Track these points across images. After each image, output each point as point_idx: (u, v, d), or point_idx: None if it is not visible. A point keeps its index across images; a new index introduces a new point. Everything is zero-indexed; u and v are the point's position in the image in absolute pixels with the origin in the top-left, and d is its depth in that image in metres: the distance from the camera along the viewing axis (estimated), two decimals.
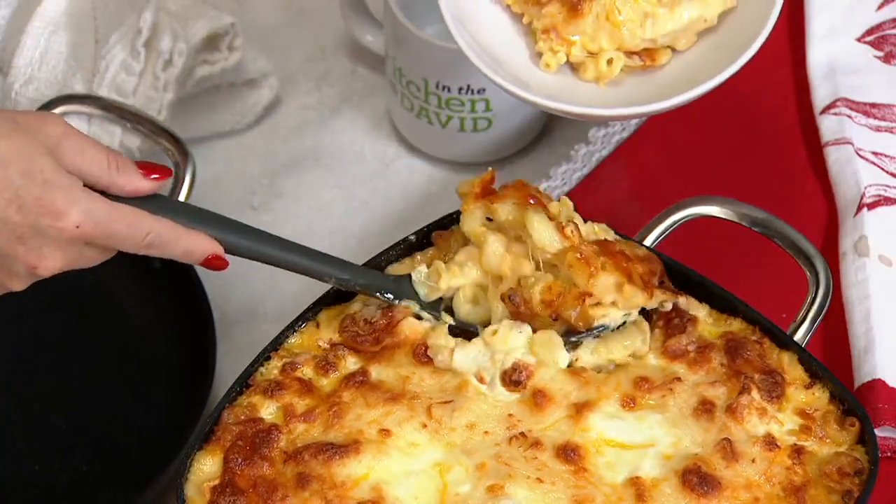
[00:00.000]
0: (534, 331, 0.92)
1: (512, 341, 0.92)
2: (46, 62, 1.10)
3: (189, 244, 0.87)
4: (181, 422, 0.98)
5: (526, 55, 0.98)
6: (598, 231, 0.94)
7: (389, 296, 0.93)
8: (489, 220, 0.95)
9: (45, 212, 0.81)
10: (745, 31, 0.93)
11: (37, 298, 1.08)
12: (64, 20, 1.10)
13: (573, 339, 0.92)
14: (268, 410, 0.90)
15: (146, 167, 0.87)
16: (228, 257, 0.90)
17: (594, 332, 0.92)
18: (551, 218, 0.92)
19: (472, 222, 0.94)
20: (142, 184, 0.86)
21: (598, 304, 0.91)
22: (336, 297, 0.95)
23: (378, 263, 0.97)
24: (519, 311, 0.92)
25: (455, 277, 0.93)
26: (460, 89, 1.12)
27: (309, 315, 0.94)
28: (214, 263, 0.89)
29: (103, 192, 0.85)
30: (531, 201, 0.93)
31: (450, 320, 0.93)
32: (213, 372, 1.01)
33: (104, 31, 1.10)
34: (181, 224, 0.87)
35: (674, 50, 0.97)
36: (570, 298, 0.90)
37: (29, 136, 0.81)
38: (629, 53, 0.96)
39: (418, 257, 0.97)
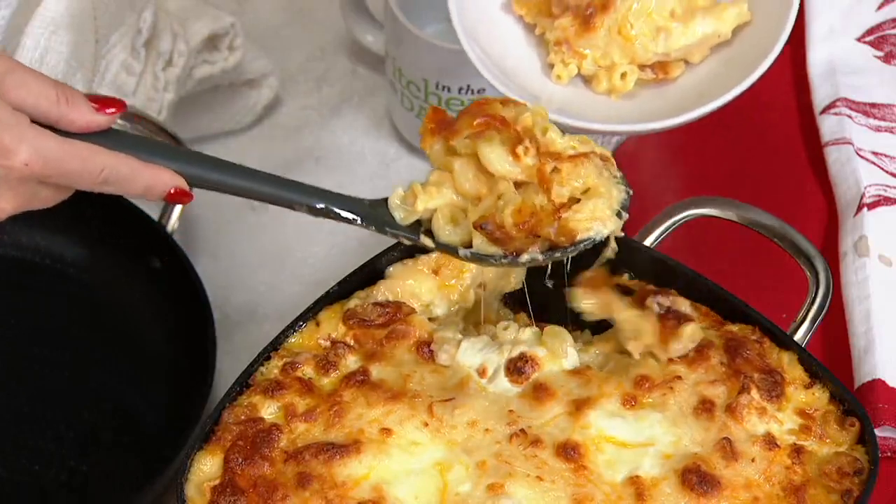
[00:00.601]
0: (515, 254, 0.89)
1: (522, 335, 0.92)
2: (47, 62, 1.10)
3: (149, 179, 0.82)
4: (181, 422, 0.98)
5: (538, 67, 0.97)
6: (576, 145, 0.90)
7: (362, 221, 0.89)
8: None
9: None
10: (759, 45, 0.93)
11: (36, 298, 1.09)
12: (64, 20, 1.10)
13: (558, 254, 0.89)
14: (268, 410, 0.90)
15: (99, 101, 0.82)
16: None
17: (581, 245, 0.89)
18: (518, 134, 0.89)
19: (436, 156, 0.92)
20: (94, 118, 0.81)
21: (577, 215, 0.88)
22: (336, 297, 0.95)
23: (379, 264, 0.97)
24: (495, 237, 0.89)
25: (432, 199, 0.89)
26: (460, 89, 1.12)
27: (309, 315, 0.94)
28: (178, 198, 0.84)
29: (54, 130, 0.81)
30: (487, 124, 0.88)
31: (430, 243, 0.90)
32: (213, 372, 1.01)
33: (104, 32, 1.10)
34: (140, 159, 0.82)
35: (687, 62, 0.97)
36: (545, 216, 0.88)
37: None
38: (642, 66, 0.96)
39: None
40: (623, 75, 0.95)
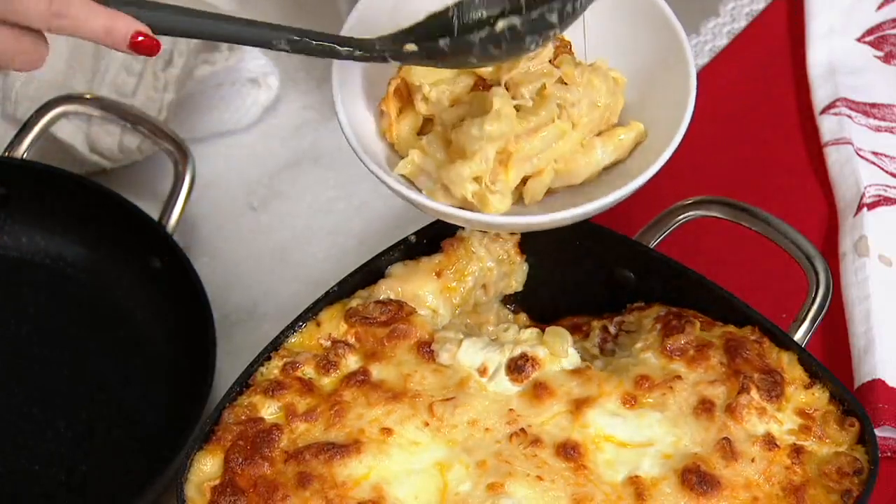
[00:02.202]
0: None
1: (522, 335, 0.92)
2: (47, 62, 1.10)
3: (107, 19, 0.78)
4: (181, 421, 0.98)
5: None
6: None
7: (339, 47, 0.84)
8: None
9: None
10: (652, 148, 0.92)
11: (37, 299, 1.09)
12: None
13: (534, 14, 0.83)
14: (268, 410, 0.90)
15: None
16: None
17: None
18: None
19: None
20: None
21: None
22: (336, 297, 0.95)
23: (379, 264, 0.97)
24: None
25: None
26: None
27: (309, 315, 0.94)
28: (143, 45, 0.79)
29: None
30: None
31: (413, 48, 0.85)
32: (213, 372, 1.00)
33: None
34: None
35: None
36: None
37: None
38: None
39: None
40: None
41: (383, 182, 0.90)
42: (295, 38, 0.83)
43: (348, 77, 0.93)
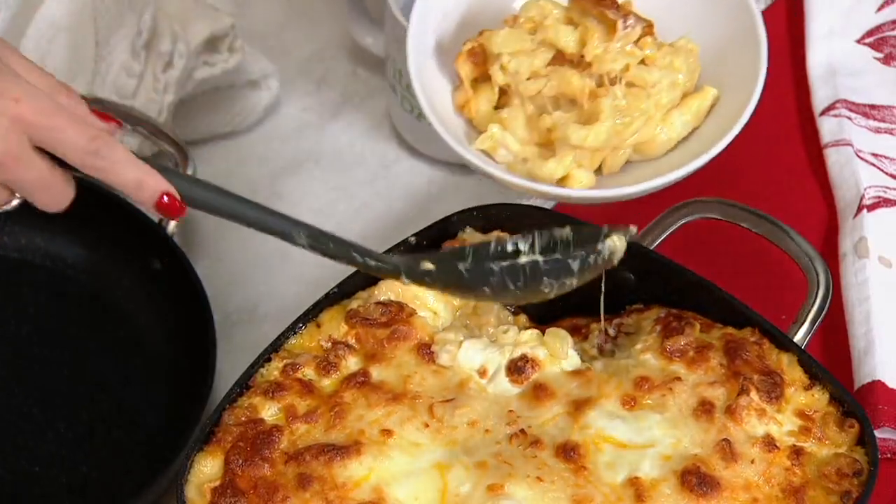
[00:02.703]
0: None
1: (522, 336, 0.93)
2: (47, 65, 1.11)
3: (141, 174, 0.79)
4: (182, 423, 0.98)
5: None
6: None
7: (357, 256, 0.86)
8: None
9: None
10: (729, 112, 0.96)
11: (37, 300, 1.10)
12: (64, 22, 1.11)
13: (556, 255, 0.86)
14: (269, 411, 0.90)
15: (99, 114, 0.81)
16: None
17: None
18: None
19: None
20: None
21: None
22: (336, 298, 0.96)
23: None
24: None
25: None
26: None
27: (309, 316, 0.95)
28: (169, 206, 0.80)
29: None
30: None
31: (430, 266, 0.86)
32: (213, 373, 1.01)
33: (104, 34, 1.10)
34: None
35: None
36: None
37: None
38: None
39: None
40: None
41: (463, 157, 0.91)
42: (314, 237, 0.85)
43: (423, 55, 0.95)
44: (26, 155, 0.78)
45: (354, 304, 0.95)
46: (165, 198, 0.81)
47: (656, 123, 0.95)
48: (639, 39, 0.95)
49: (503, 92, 0.95)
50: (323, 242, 0.85)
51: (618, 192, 0.94)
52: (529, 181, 0.93)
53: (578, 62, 0.94)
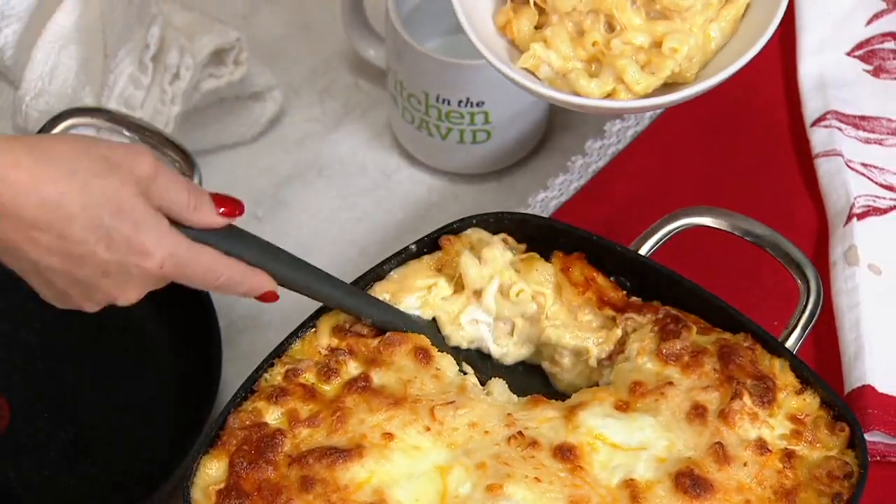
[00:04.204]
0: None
1: (500, 257, 0.95)
2: (56, 76, 1.11)
3: (253, 284, 0.89)
4: (187, 427, 0.99)
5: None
6: None
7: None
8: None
9: (132, 252, 0.83)
10: (759, 19, 0.94)
11: (43, 308, 1.10)
12: (74, 35, 1.11)
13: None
14: (272, 416, 0.91)
15: (222, 203, 0.88)
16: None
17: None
18: None
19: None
20: (214, 220, 0.87)
21: None
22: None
23: (380, 273, 0.98)
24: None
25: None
26: (460, 102, 1.13)
27: (311, 323, 0.95)
28: (267, 298, 0.91)
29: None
30: None
31: (470, 373, 0.95)
32: (218, 378, 1.01)
33: (113, 46, 1.11)
34: (247, 260, 0.89)
35: None
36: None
37: (120, 175, 0.82)
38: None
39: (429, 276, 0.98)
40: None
41: (505, 75, 0.92)
42: (385, 318, 0.96)
43: None
44: (153, 287, 0.87)
45: (342, 317, 0.96)
46: (266, 292, 0.91)
47: (698, 40, 0.94)
48: None
49: (541, 11, 0.96)
50: (392, 326, 0.96)
51: (664, 100, 0.92)
52: (574, 96, 0.92)
53: None
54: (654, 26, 0.93)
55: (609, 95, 0.93)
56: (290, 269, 0.91)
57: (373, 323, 0.94)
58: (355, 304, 0.94)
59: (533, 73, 0.95)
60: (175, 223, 0.85)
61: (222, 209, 0.88)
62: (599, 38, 0.93)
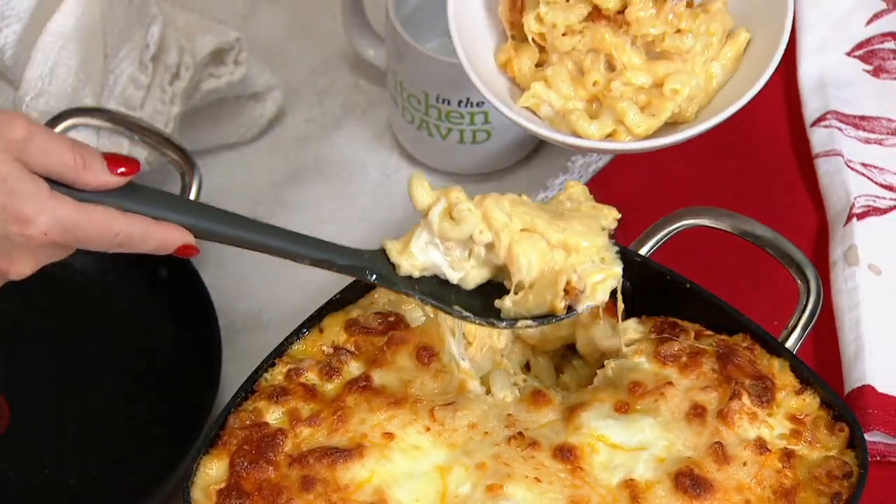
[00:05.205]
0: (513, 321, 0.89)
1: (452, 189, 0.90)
2: (56, 76, 1.11)
3: (160, 238, 0.84)
4: (188, 426, 0.99)
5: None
6: None
7: (371, 276, 0.89)
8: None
9: (11, 220, 0.79)
10: (761, 55, 0.94)
11: (45, 308, 1.10)
12: (74, 35, 1.11)
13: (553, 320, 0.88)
14: (273, 415, 0.91)
15: (113, 160, 0.83)
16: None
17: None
18: None
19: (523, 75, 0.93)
20: (108, 179, 0.82)
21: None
22: (338, 305, 0.97)
23: None
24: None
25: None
26: (460, 102, 1.13)
27: (312, 322, 0.95)
28: (185, 252, 0.86)
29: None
30: None
31: (429, 277, 0.89)
32: (218, 378, 1.01)
33: (113, 46, 1.11)
34: (151, 215, 0.84)
35: None
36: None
37: None
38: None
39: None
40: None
41: (506, 116, 0.92)
42: (320, 257, 0.89)
43: (463, 16, 0.95)
44: (51, 257, 0.83)
45: (355, 312, 0.96)
46: (182, 245, 0.86)
47: (699, 81, 0.94)
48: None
49: (542, 49, 0.96)
50: (327, 264, 0.89)
51: (665, 141, 0.92)
52: (575, 137, 0.92)
53: (613, 20, 0.94)
54: (655, 67, 0.93)
55: (610, 135, 0.94)
56: (205, 219, 0.85)
57: (311, 264, 0.88)
58: (285, 246, 0.87)
59: (534, 112, 0.95)
60: (66, 187, 0.81)
61: (121, 169, 0.83)
62: (600, 77, 0.93)
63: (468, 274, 0.91)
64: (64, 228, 0.81)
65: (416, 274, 0.90)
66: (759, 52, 0.95)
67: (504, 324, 0.89)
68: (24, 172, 0.80)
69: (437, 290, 0.90)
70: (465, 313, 0.89)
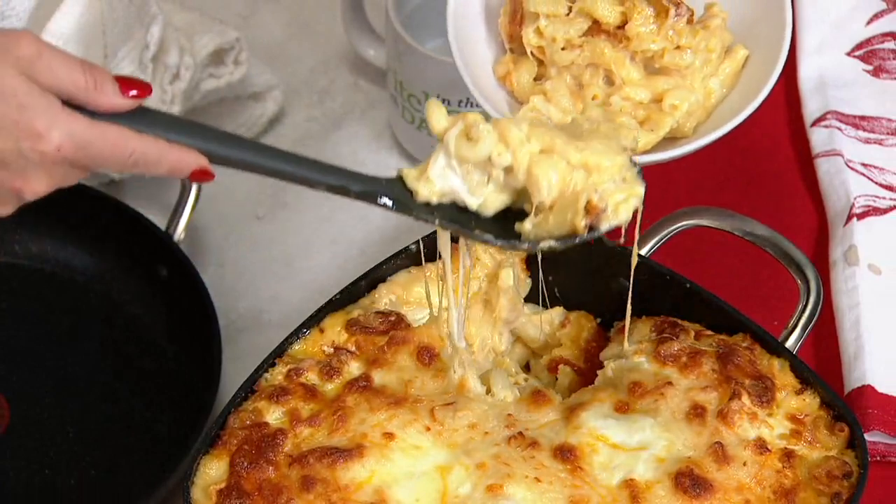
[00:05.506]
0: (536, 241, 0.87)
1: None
2: None
3: (174, 161, 0.82)
4: (188, 426, 0.99)
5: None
6: None
7: (388, 202, 0.86)
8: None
9: (24, 135, 0.78)
10: (760, 70, 0.95)
11: (45, 307, 1.11)
12: (74, 35, 1.12)
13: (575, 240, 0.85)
14: (273, 415, 0.91)
15: (125, 83, 0.81)
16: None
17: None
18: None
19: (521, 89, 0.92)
20: (120, 101, 0.80)
21: None
22: (339, 305, 0.97)
23: (381, 273, 0.98)
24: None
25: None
26: (460, 102, 1.13)
27: (312, 322, 0.95)
28: (200, 177, 0.83)
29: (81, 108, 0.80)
30: None
31: (446, 202, 0.86)
32: (218, 377, 1.01)
33: (113, 46, 1.11)
34: (165, 138, 0.81)
35: None
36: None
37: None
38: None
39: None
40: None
41: None
42: (337, 183, 0.86)
43: (463, 28, 0.95)
44: (66, 178, 0.82)
45: (356, 312, 0.96)
46: (197, 169, 0.83)
47: (699, 97, 0.94)
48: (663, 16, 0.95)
49: (541, 63, 0.96)
50: (343, 192, 0.86)
51: (663, 156, 0.92)
52: None
53: (613, 34, 0.94)
54: (655, 82, 0.93)
55: None
56: (220, 143, 0.83)
57: (327, 190, 0.85)
58: (301, 172, 0.85)
59: None
60: (77, 108, 0.79)
61: (132, 92, 0.81)
62: (599, 92, 0.93)
63: (487, 199, 0.87)
64: (77, 145, 0.79)
65: (435, 200, 0.87)
66: (756, 69, 0.96)
67: (526, 245, 0.86)
68: (35, 87, 0.78)
69: (455, 216, 0.87)
70: (486, 236, 0.86)
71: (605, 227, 0.86)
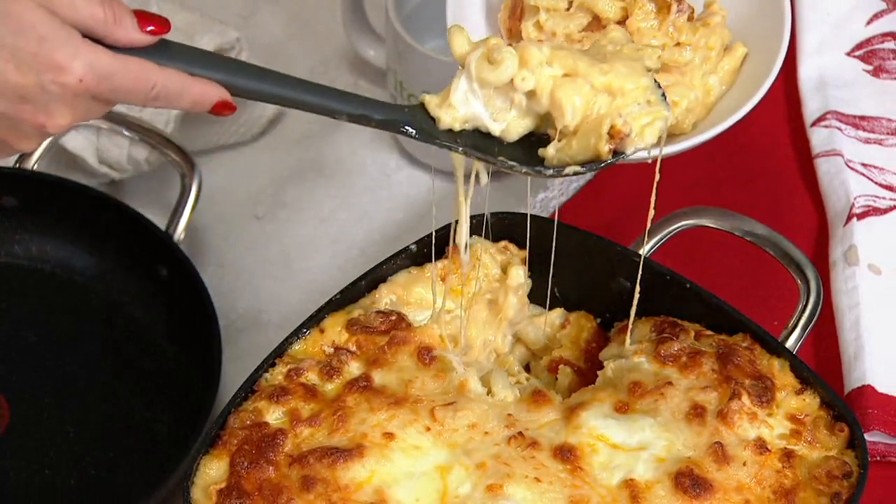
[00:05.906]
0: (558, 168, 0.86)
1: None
2: None
3: (196, 94, 0.82)
4: (188, 426, 0.99)
5: None
6: None
7: (411, 130, 0.84)
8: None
9: (45, 68, 0.77)
10: (759, 67, 0.96)
11: (45, 307, 1.11)
12: None
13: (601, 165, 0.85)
14: (273, 415, 0.91)
15: (143, 17, 0.81)
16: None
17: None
18: None
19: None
20: (138, 36, 0.80)
21: None
22: (338, 305, 0.97)
23: (381, 272, 0.99)
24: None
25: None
26: None
27: (312, 322, 0.95)
28: (221, 109, 0.83)
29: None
30: None
31: (470, 129, 0.85)
32: (218, 377, 1.02)
33: None
34: (186, 71, 0.81)
35: None
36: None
37: None
38: None
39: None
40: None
41: None
42: (358, 112, 0.85)
43: (463, 26, 0.94)
44: (89, 112, 0.81)
45: (356, 312, 0.96)
46: (218, 102, 0.83)
47: (698, 95, 0.94)
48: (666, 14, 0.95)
49: None
50: (364, 119, 0.85)
51: (662, 152, 0.91)
52: None
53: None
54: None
55: None
56: (242, 75, 0.83)
57: (349, 120, 0.85)
58: (322, 102, 0.84)
59: None
60: (96, 42, 0.79)
61: (150, 27, 0.80)
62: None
63: (510, 124, 0.86)
64: (100, 76, 0.78)
65: (457, 127, 0.86)
66: (755, 67, 0.96)
67: (551, 171, 0.86)
68: (55, 19, 0.77)
69: (479, 142, 0.86)
70: (510, 162, 0.85)
71: (630, 150, 0.85)
